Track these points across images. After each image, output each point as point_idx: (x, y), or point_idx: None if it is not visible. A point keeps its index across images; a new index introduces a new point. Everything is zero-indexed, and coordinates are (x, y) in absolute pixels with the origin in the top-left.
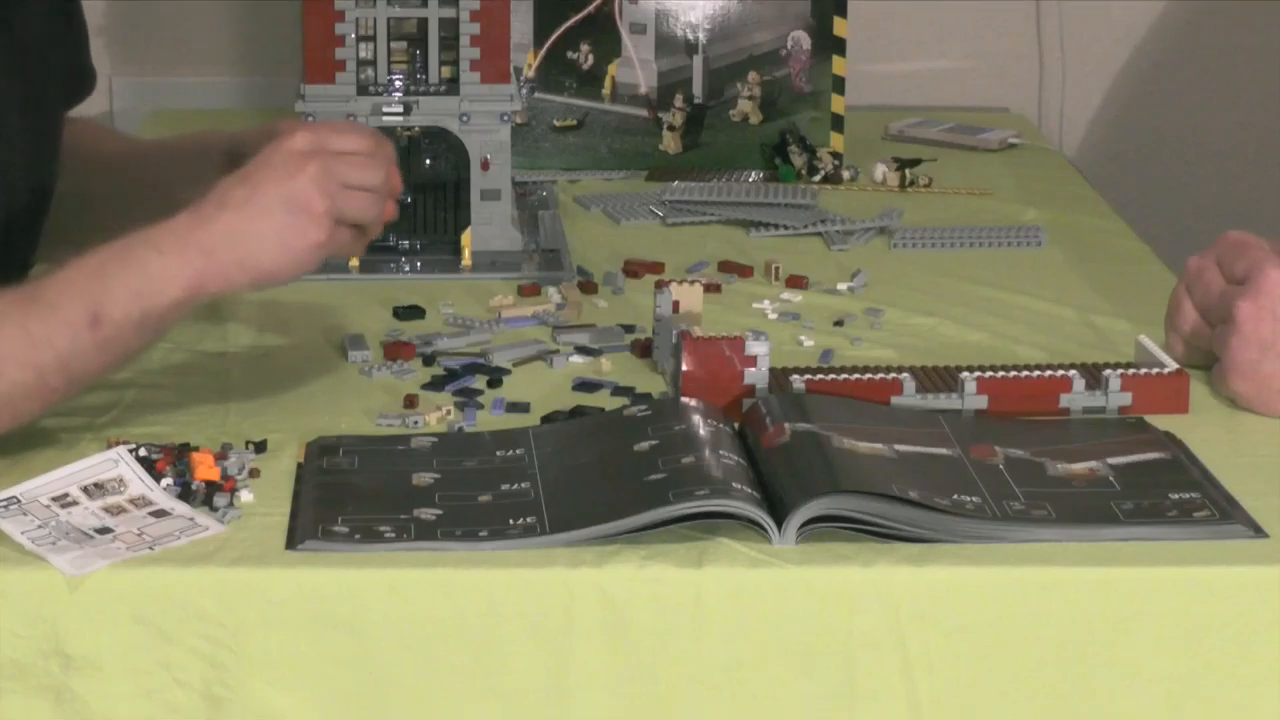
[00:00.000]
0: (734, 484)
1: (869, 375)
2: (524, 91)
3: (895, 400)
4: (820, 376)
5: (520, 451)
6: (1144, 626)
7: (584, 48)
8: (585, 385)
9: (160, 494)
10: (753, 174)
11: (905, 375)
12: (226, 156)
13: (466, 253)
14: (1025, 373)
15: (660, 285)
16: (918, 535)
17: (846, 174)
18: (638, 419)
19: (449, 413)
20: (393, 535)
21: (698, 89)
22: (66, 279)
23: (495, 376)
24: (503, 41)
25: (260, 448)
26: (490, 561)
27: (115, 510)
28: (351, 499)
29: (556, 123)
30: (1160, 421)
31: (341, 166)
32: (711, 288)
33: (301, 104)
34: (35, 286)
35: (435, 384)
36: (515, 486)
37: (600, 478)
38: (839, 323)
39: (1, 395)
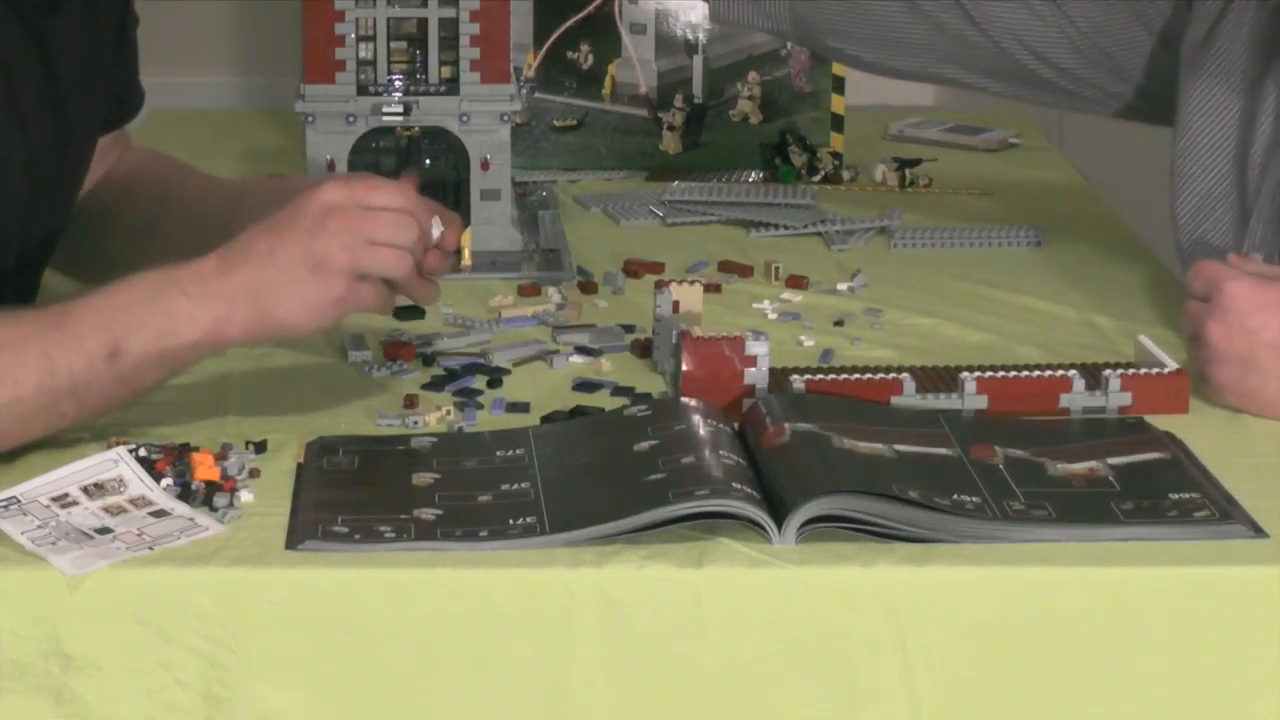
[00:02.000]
0: (734, 484)
1: (869, 375)
2: (524, 91)
3: (895, 400)
4: (820, 376)
5: (520, 451)
6: (1144, 626)
7: (584, 48)
8: (585, 385)
9: (160, 494)
10: (753, 174)
11: (905, 375)
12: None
13: (466, 253)
14: (1025, 373)
15: (660, 285)
16: (918, 535)
17: (846, 174)
18: (638, 419)
19: (449, 413)
20: (392, 535)
21: (698, 89)
22: (92, 309)
23: (495, 376)
24: (503, 41)
25: (260, 448)
26: (490, 561)
27: (115, 510)
28: (351, 499)
29: (556, 123)
30: (1160, 421)
31: (369, 223)
32: (711, 288)
33: (301, 104)
34: (61, 311)
35: (435, 384)
36: (515, 486)
37: (600, 478)
38: (839, 323)
39: (13, 414)
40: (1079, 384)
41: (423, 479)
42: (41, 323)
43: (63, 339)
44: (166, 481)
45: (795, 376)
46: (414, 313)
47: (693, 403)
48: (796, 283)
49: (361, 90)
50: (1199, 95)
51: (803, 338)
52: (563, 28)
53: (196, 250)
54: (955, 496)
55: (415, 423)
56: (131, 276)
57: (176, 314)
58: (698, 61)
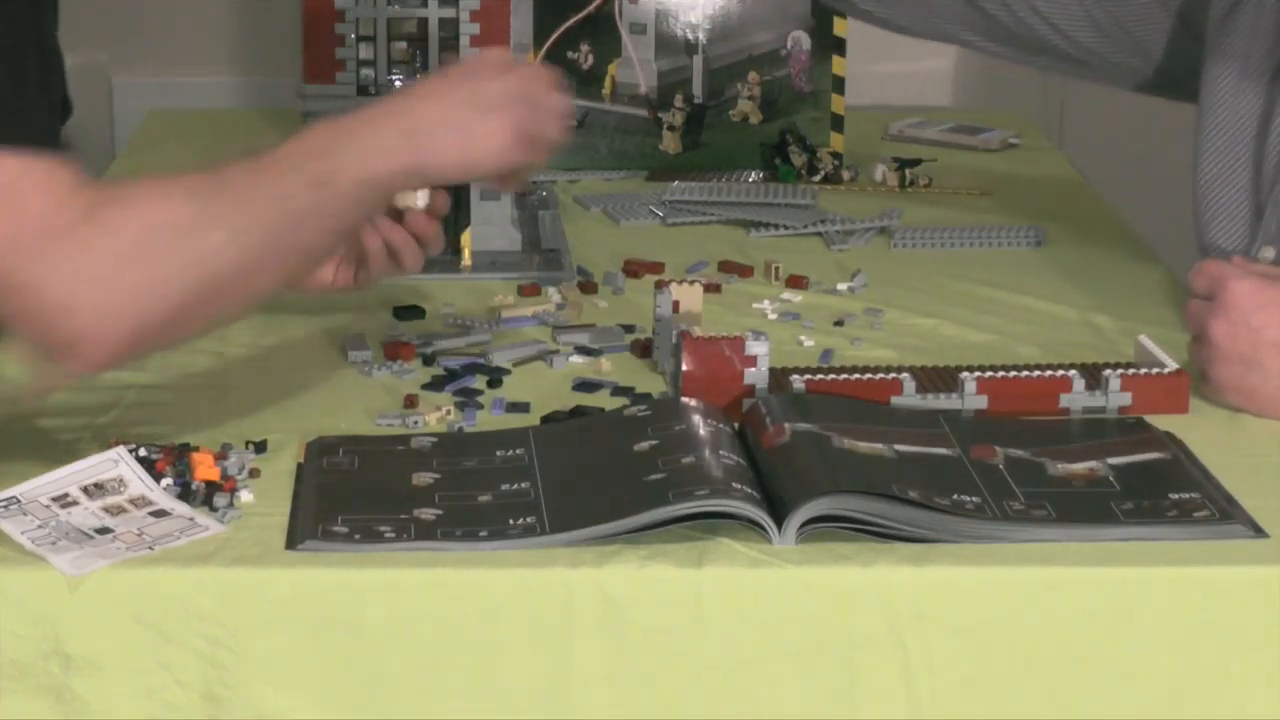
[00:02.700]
0: (734, 484)
1: (869, 375)
2: None
3: (895, 400)
4: (820, 376)
5: (520, 451)
6: (1144, 626)
7: (584, 48)
8: (585, 385)
9: (160, 494)
10: (753, 174)
11: (905, 375)
12: None
13: (466, 253)
14: (1025, 373)
15: (660, 285)
16: (918, 535)
17: (846, 174)
18: (638, 419)
19: (449, 413)
20: (392, 535)
21: (698, 89)
22: (293, 149)
23: (495, 376)
24: (503, 41)
25: (260, 448)
26: (490, 561)
27: (115, 510)
28: (351, 499)
29: None
30: (1160, 421)
31: (535, 86)
32: (711, 288)
33: (302, 104)
34: (262, 157)
35: (435, 384)
36: (515, 486)
37: (600, 478)
38: (839, 323)
39: (240, 262)
40: (1079, 384)
41: (423, 479)
42: (247, 167)
43: (270, 175)
44: (166, 481)
45: (795, 376)
46: (414, 313)
47: (693, 403)
48: (796, 283)
49: (361, 90)
50: (1222, 88)
51: (803, 338)
52: (563, 28)
53: None
54: (955, 496)
55: (415, 423)
56: (306, 132)
57: (365, 149)
58: (698, 61)
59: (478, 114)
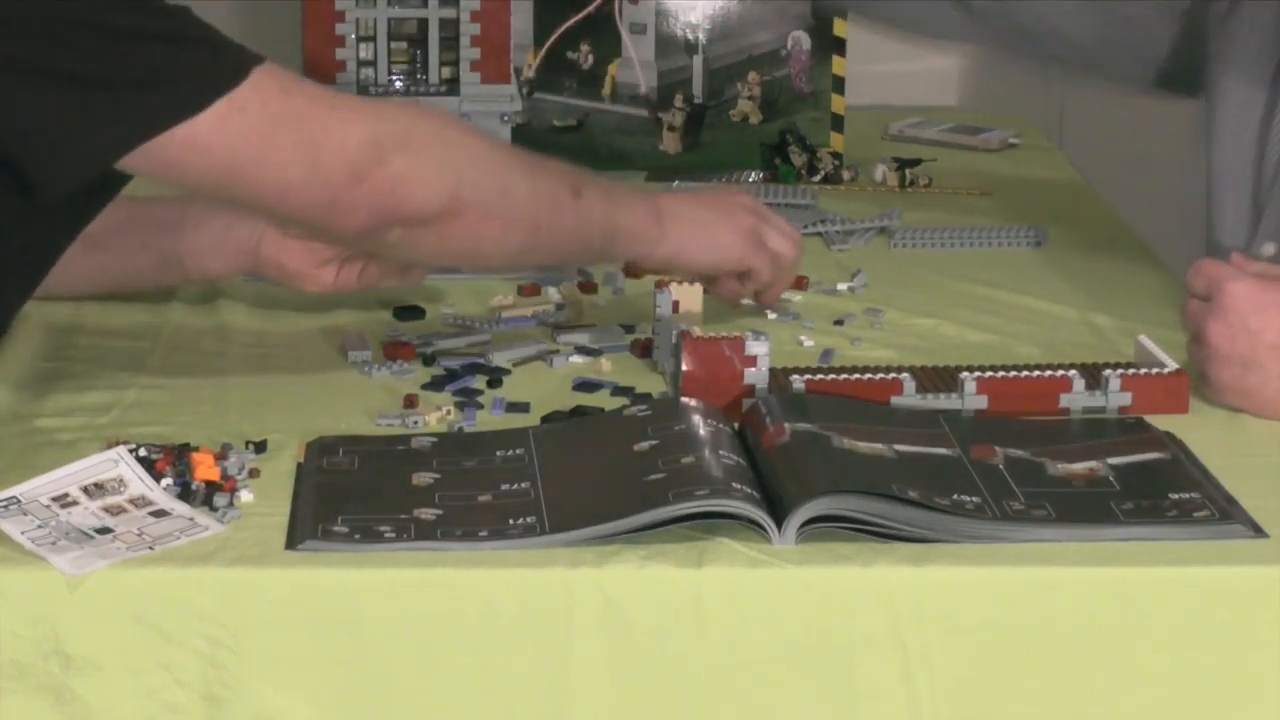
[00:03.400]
0: (734, 484)
1: (869, 375)
2: (524, 91)
3: (895, 400)
4: (820, 376)
5: (520, 451)
6: (1144, 626)
7: (584, 48)
8: (585, 385)
9: (160, 494)
10: (753, 174)
11: (905, 375)
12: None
13: None
14: (1025, 373)
15: (660, 285)
16: (918, 535)
17: (846, 174)
18: (638, 419)
19: (449, 413)
20: (392, 535)
21: (698, 89)
22: (561, 170)
23: (495, 376)
24: (503, 41)
25: (260, 448)
26: (490, 561)
27: (115, 510)
28: (351, 499)
29: (556, 123)
30: (1160, 421)
31: (775, 218)
32: None
33: None
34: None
35: (435, 384)
36: (515, 486)
37: (600, 478)
38: (839, 323)
39: (520, 210)
40: (1079, 384)
41: (423, 479)
42: (520, 152)
43: (540, 166)
44: (166, 481)
45: (795, 376)
46: (414, 313)
47: (693, 403)
48: (796, 283)
49: (361, 90)
50: (1225, 88)
51: (803, 338)
52: (563, 28)
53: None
54: (955, 496)
55: (415, 423)
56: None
57: (617, 197)
58: (698, 61)
59: (717, 214)
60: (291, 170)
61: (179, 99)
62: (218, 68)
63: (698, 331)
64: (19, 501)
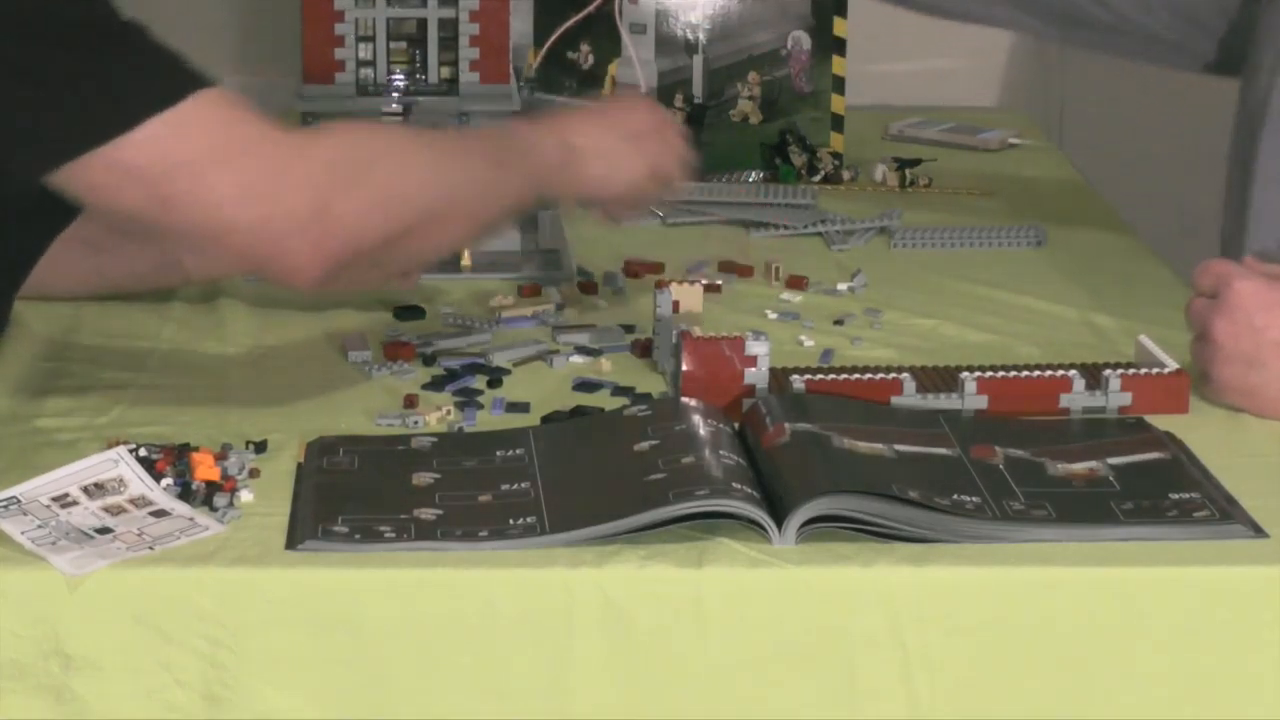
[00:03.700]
0: (734, 484)
1: (869, 375)
2: (524, 91)
3: (895, 400)
4: (820, 376)
5: (520, 451)
6: (1144, 626)
7: (584, 48)
8: (585, 385)
9: (160, 494)
10: (753, 174)
11: (905, 375)
12: None
13: (466, 253)
14: (1025, 373)
15: (660, 285)
16: (918, 535)
17: (846, 174)
18: (638, 419)
19: (449, 413)
20: (393, 535)
21: (698, 89)
22: (474, 133)
23: (495, 376)
24: (503, 41)
25: (260, 448)
26: (490, 561)
27: (115, 510)
28: (351, 499)
29: None
30: (1160, 421)
31: (670, 130)
32: (711, 288)
33: (301, 104)
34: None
35: (435, 384)
36: (515, 486)
37: (600, 478)
38: (839, 323)
39: (432, 207)
40: (1079, 384)
41: (423, 479)
42: (437, 135)
43: (457, 147)
44: (166, 481)
45: (795, 376)
46: (414, 313)
47: (693, 403)
48: (796, 283)
49: (361, 90)
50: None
51: (803, 338)
52: (563, 28)
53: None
54: (955, 496)
55: (415, 423)
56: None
57: (530, 145)
58: (698, 61)
59: (624, 143)
60: (229, 210)
61: (105, 116)
62: (154, 86)
63: (698, 331)
64: (19, 501)
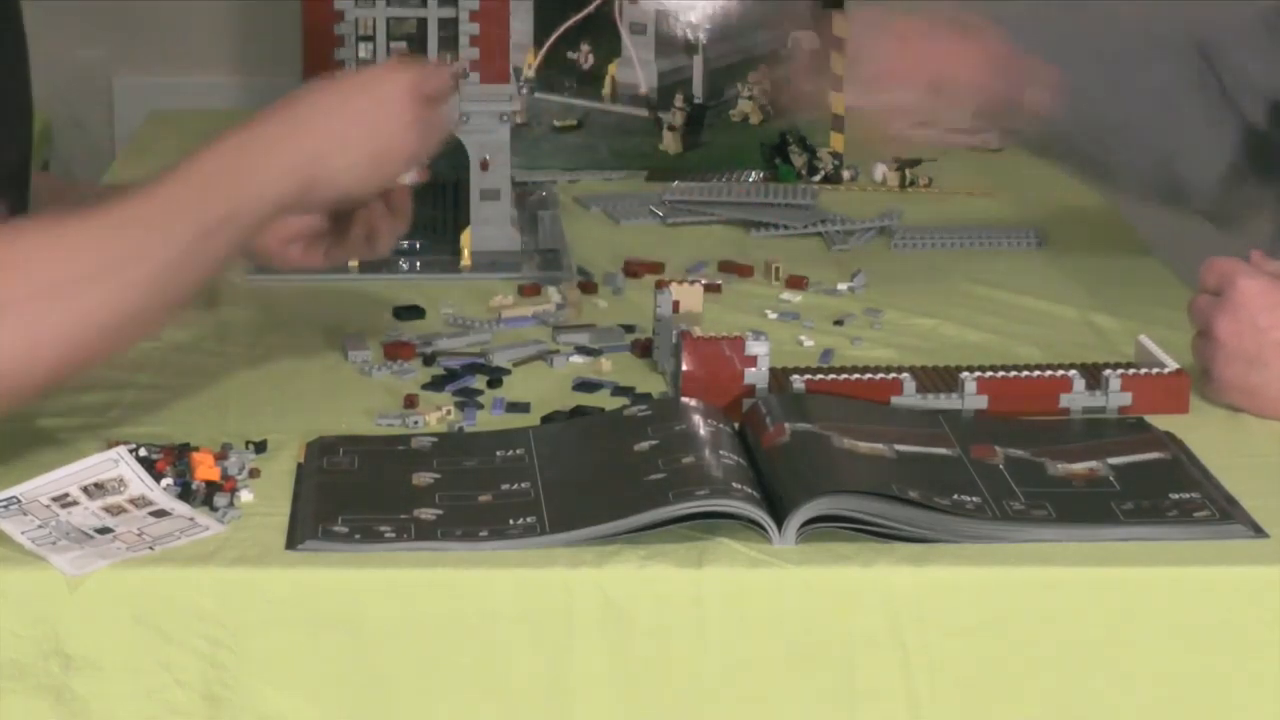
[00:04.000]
0: (734, 484)
1: (869, 375)
2: (524, 91)
3: (895, 400)
4: (820, 376)
5: (520, 451)
6: (1144, 626)
7: (584, 48)
8: (585, 385)
9: (160, 494)
10: (753, 174)
11: (905, 375)
12: None
13: (466, 253)
14: (1025, 373)
15: (660, 285)
16: (918, 535)
17: (846, 174)
18: (638, 419)
19: (449, 413)
20: (393, 535)
21: (698, 89)
22: (184, 184)
23: (495, 376)
24: (502, 41)
25: (260, 448)
26: (490, 561)
27: (115, 510)
28: (351, 499)
29: (556, 123)
30: (1160, 421)
31: (430, 117)
32: (711, 288)
33: None
34: (139, 201)
35: (435, 384)
36: (515, 486)
37: (600, 478)
38: (839, 323)
39: (117, 319)
40: (1079, 384)
41: (423, 479)
42: (128, 216)
43: (155, 229)
44: (166, 481)
45: (795, 376)
46: (414, 313)
47: (693, 403)
48: (796, 283)
49: None
50: None
51: (803, 338)
52: (563, 28)
53: None
54: (955, 496)
55: (415, 423)
56: (200, 154)
57: (259, 181)
58: (698, 61)
59: (379, 138)
60: None
61: None
62: None
63: (698, 331)
64: (19, 501)
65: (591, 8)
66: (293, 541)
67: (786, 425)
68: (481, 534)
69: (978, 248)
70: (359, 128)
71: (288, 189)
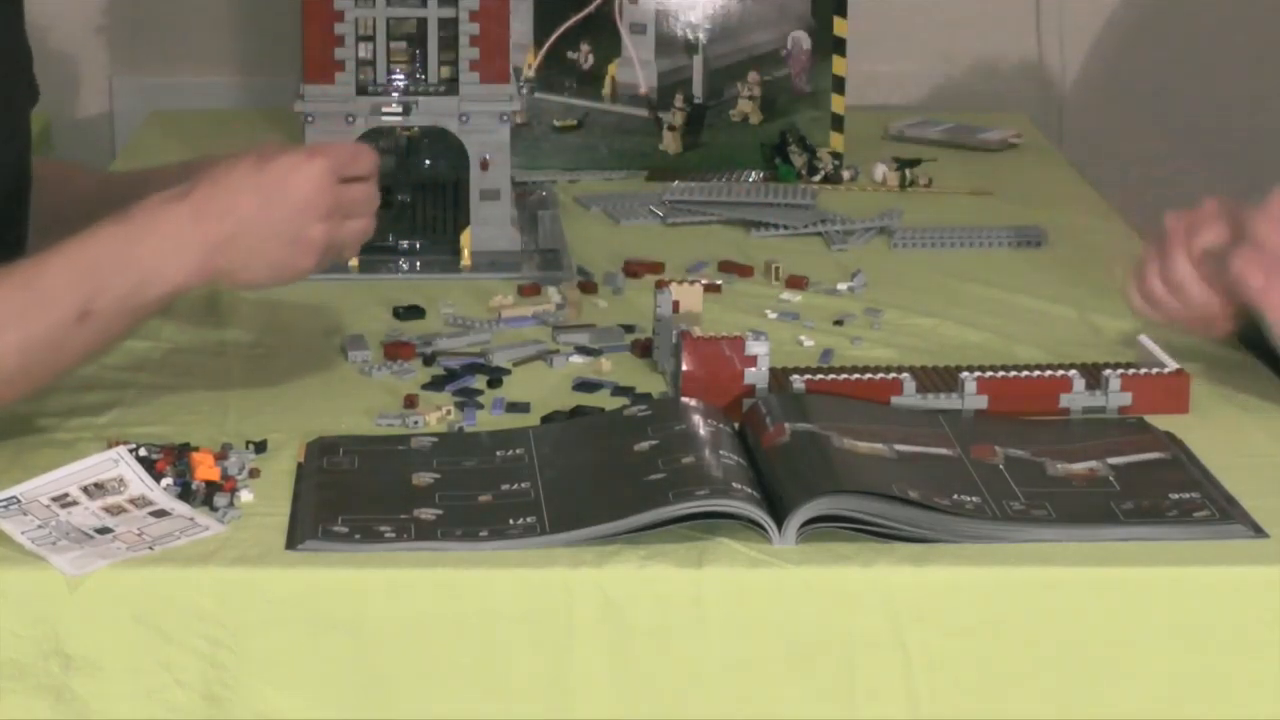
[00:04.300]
0: (734, 484)
1: (869, 375)
2: (524, 91)
3: (895, 400)
4: (820, 376)
5: (520, 451)
6: (1144, 626)
7: (584, 48)
8: (585, 385)
9: (160, 494)
10: (753, 174)
11: (905, 375)
12: None
13: (466, 253)
14: (1025, 373)
15: (660, 285)
16: (918, 535)
17: (846, 174)
18: (638, 419)
19: (449, 413)
20: (393, 535)
21: (698, 89)
22: (63, 268)
23: (495, 376)
24: (502, 41)
25: (260, 448)
26: (490, 561)
27: (115, 510)
28: (351, 499)
29: (556, 123)
30: (1160, 421)
31: (348, 201)
32: (711, 288)
33: (301, 104)
34: (32, 272)
35: (435, 384)
36: (515, 486)
37: (600, 478)
38: (839, 323)
39: None
40: (1079, 384)
41: (423, 479)
42: (14, 283)
43: (32, 300)
44: (166, 481)
45: (795, 376)
46: (414, 313)
47: (693, 403)
48: (796, 283)
49: (361, 90)
50: None
51: (803, 338)
52: (563, 28)
53: None
54: (955, 496)
55: (415, 423)
56: (103, 226)
57: (147, 270)
58: (698, 61)
59: (288, 245)
60: None
61: None
62: None
63: (698, 331)
64: (19, 501)
65: (591, 8)
66: (293, 541)
67: (786, 425)
68: (481, 534)
69: (978, 248)
70: (267, 217)
71: (188, 276)
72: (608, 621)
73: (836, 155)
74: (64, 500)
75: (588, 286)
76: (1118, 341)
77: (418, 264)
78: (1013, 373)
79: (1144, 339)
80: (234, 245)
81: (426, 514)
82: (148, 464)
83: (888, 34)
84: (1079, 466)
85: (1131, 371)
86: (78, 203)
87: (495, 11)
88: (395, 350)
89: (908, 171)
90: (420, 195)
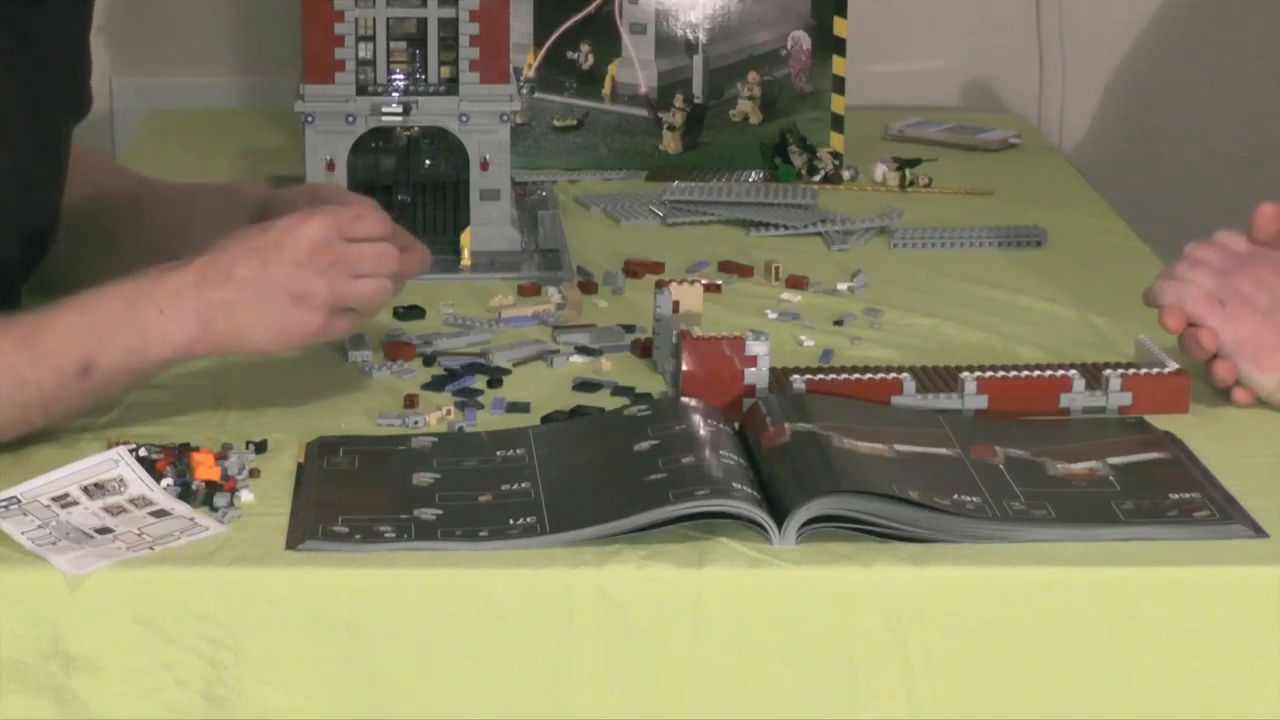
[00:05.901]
0: (734, 484)
1: (869, 375)
2: (524, 91)
3: (895, 400)
4: (820, 376)
5: (520, 451)
6: (1144, 626)
7: (584, 48)
8: (585, 385)
9: (160, 494)
10: (753, 174)
11: (905, 375)
12: (258, 211)
13: (466, 253)
14: (1025, 373)
15: (660, 285)
16: (918, 535)
17: (846, 174)
18: (638, 419)
19: (449, 413)
20: (393, 535)
21: (698, 89)
22: (65, 324)
23: (495, 376)
24: (502, 41)
25: (260, 448)
26: (490, 561)
27: (115, 510)
28: (351, 499)
29: (556, 123)
30: (1160, 421)
31: (353, 256)
32: (711, 288)
33: (301, 104)
34: (33, 326)
35: (435, 384)
36: (515, 486)
37: (600, 478)
38: (839, 323)
39: None
40: (1079, 384)
41: (423, 479)
42: (14, 335)
43: (34, 355)
44: (167, 481)
45: (795, 376)
46: (414, 313)
47: (693, 403)
48: (796, 283)
49: (361, 90)
50: None
51: (803, 338)
52: (563, 28)
53: (148, 257)
54: (955, 496)
55: (415, 423)
56: (105, 287)
57: (149, 331)
58: (698, 61)
59: (289, 304)
60: None
61: None
62: None
63: (698, 331)
64: (19, 501)
65: (591, 8)
66: (293, 541)
67: (786, 425)
68: (481, 534)
69: (978, 248)
70: (266, 276)
71: (189, 339)
72: (608, 621)
73: (836, 155)
74: (64, 500)
75: (588, 286)
76: (1118, 341)
77: None
78: (1013, 373)
79: (1144, 339)
80: (235, 308)
81: (426, 514)
82: (148, 464)
83: (888, 34)
84: (1079, 466)
85: (1131, 371)
86: (110, 199)
87: (495, 11)
88: (395, 350)
89: (908, 171)
90: (420, 195)
